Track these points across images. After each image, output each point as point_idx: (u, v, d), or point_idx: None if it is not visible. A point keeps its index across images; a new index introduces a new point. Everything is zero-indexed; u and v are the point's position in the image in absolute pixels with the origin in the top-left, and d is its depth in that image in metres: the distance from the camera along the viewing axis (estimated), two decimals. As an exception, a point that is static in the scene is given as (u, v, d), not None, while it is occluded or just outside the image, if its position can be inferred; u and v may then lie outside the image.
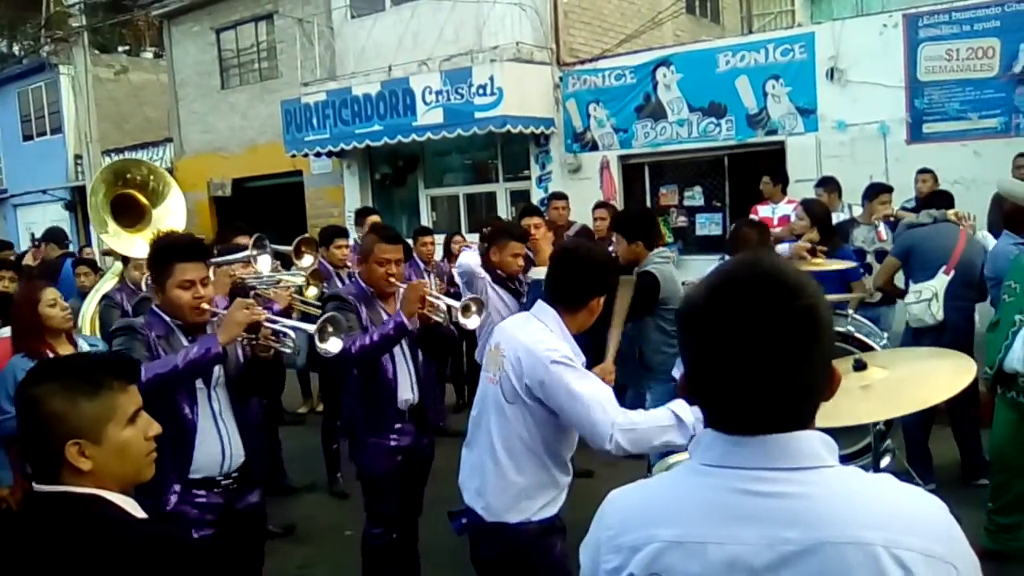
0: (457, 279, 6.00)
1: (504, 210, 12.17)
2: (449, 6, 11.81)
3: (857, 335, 4.57)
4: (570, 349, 2.72)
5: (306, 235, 5.84)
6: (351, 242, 6.93)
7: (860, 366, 2.72)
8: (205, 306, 3.18)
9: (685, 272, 7.96)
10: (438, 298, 4.05)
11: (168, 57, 17.25)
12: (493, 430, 2.78)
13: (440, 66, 11.61)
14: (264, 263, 4.84)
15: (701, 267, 8.34)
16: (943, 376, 2.70)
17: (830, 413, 1.31)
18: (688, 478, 1.27)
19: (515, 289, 5.35)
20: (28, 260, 9.29)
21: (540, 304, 2.87)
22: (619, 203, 10.55)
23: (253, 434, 3.42)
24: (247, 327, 3.18)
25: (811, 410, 1.24)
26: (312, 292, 5.50)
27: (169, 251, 3.19)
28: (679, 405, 2.59)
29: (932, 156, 8.07)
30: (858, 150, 9.24)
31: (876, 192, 6.52)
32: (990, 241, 5.48)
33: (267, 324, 3.29)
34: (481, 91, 10.82)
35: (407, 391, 4.02)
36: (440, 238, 8.20)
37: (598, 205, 7.96)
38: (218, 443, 3.19)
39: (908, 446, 5.28)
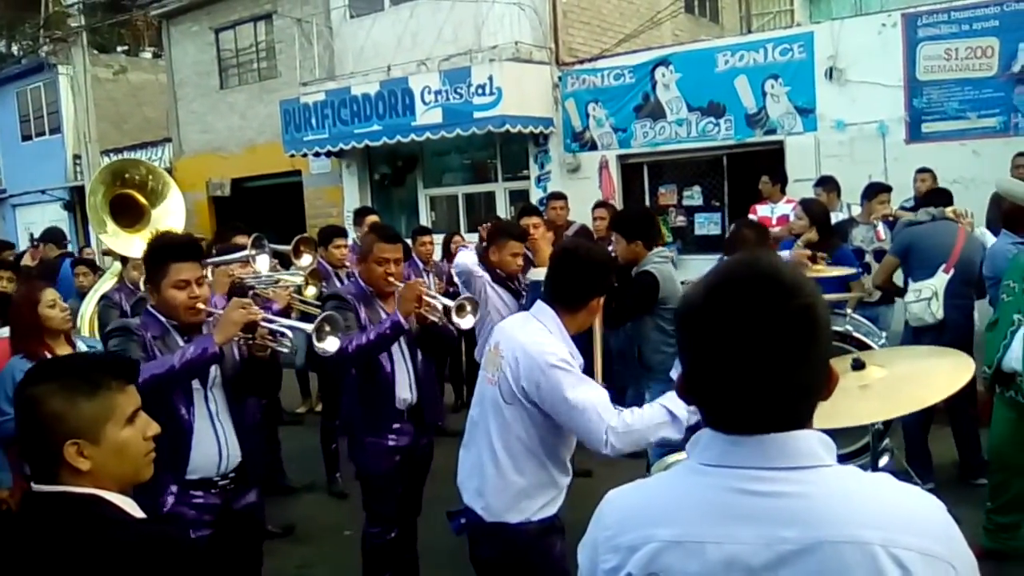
0: (456, 279, 6.00)
1: (503, 210, 12.16)
2: (448, 6, 11.81)
3: (856, 334, 4.57)
4: (568, 351, 2.72)
5: (305, 235, 5.84)
6: (350, 242, 6.93)
7: (859, 365, 2.73)
8: (201, 306, 3.17)
9: (684, 272, 7.96)
10: (434, 297, 4.04)
11: (167, 57, 17.25)
12: (492, 431, 2.78)
13: (439, 66, 11.61)
14: (262, 263, 4.84)
15: (700, 267, 8.34)
16: (941, 375, 2.71)
17: (829, 413, 1.31)
18: (686, 478, 1.27)
19: (515, 289, 5.35)
20: (27, 260, 9.29)
21: (539, 304, 2.87)
22: (618, 203, 10.55)
23: (250, 434, 3.41)
24: (244, 327, 3.18)
25: (809, 409, 1.24)
26: (311, 292, 5.50)
27: (164, 251, 3.18)
28: (670, 400, 2.59)
29: (931, 155, 8.07)
30: (857, 150, 9.24)
31: (875, 192, 6.52)
32: (988, 238, 5.48)
33: (263, 324, 3.28)
34: (480, 91, 10.82)
35: (405, 391, 4.02)
36: (439, 238, 8.20)
37: (598, 205, 7.96)
38: (215, 444, 3.18)
39: (908, 445, 5.28)
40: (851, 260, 5.67)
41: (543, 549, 2.78)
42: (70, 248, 11.09)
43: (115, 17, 17.90)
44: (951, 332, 5.06)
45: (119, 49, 23.14)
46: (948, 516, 1.18)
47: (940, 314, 5.17)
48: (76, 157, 18.66)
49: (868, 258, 6.27)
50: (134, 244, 5.12)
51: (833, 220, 6.09)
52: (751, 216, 7.48)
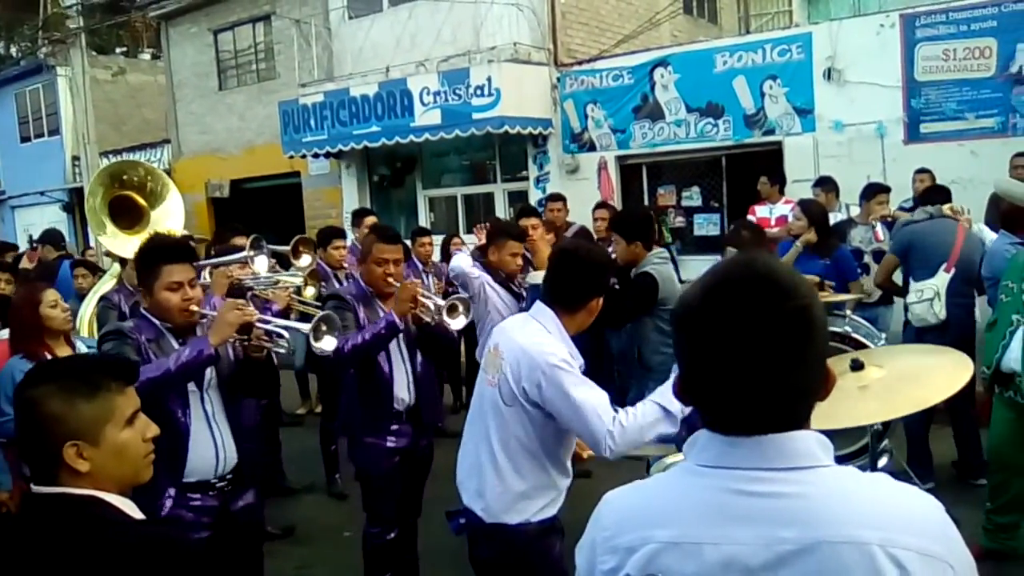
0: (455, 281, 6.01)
1: (502, 211, 12.16)
2: (446, 7, 11.81)
3: (855, 335, 4.58)
4: (568, 351, 2.72)
5: (304, 235, 5.85)
6: (348, 243, 6.93)
7: (857, 366, 2.73)
8: (194, 308, 3.16)
9: (683, 272, 7.96)
10: (429, 298, 4.04)
11: (166, 58, 17.24)
12: (492, 432, 2.78)
13: (438, 67, 11.61)
14: (261, 264, 4.84)
15: (699, 267, 8.34)
16: (941, 375, 2.71)
17: (828, 415, 1.32)
18: (684, 479, 1.27)
19: (516, 292, 5.34)
20: (25, 263, 9.26)
21: (539, 305, 2.87)
22: (617, 204, 10.55)
23: (246, 435, 3.41)
24: (239, 328, 3.17)
25: (806, 410, 1.24)
26: (310, 292, 5.50)
27: (155, 253, 3.17)
28: (663, 395, 2.59)
29: (929, 156, 8.08)
30: (855, 150, 9.25)
31: (873, 192, 6.53)
32: (987, 233, 5.47)
33: (259, 324, 3.28)
34: (479, 92, 10.82)
35: (403, 392, 4.03)
36: (438, 239, 8.20)
37: (598, 206, 7.96)
38: (212, 446, 3.18)
39: (909, 445, 5.28)
40: (850, 261, 5.68)
41: (542, 550, 2.78)
42: (70, 249, 11.05)
43: (114, 18, 17.88)
44: (954, 331, 5.07)
45: (118, 50, 23.12)
46: (946, 516, 1.18)
47: (943, 314, 5.17)
48: (75, 158, 18.66)
49: (867, 259, 6.27)
50: (133, 245, 5.10)
51: (832, 221, 6.10)
52: (750, 217, 7.49)
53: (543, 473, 2.76)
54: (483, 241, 5.56)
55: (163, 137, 17.88)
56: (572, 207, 7.92)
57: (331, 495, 6.10)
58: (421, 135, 11.36)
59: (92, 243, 11.93)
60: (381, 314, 3.95)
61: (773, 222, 7.39)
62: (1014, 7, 8.33)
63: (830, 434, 1.27)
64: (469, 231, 10.83)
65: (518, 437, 2.73)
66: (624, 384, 6.19)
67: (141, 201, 5.37)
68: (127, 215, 5.32)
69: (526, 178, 12.06)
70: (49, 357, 3.98)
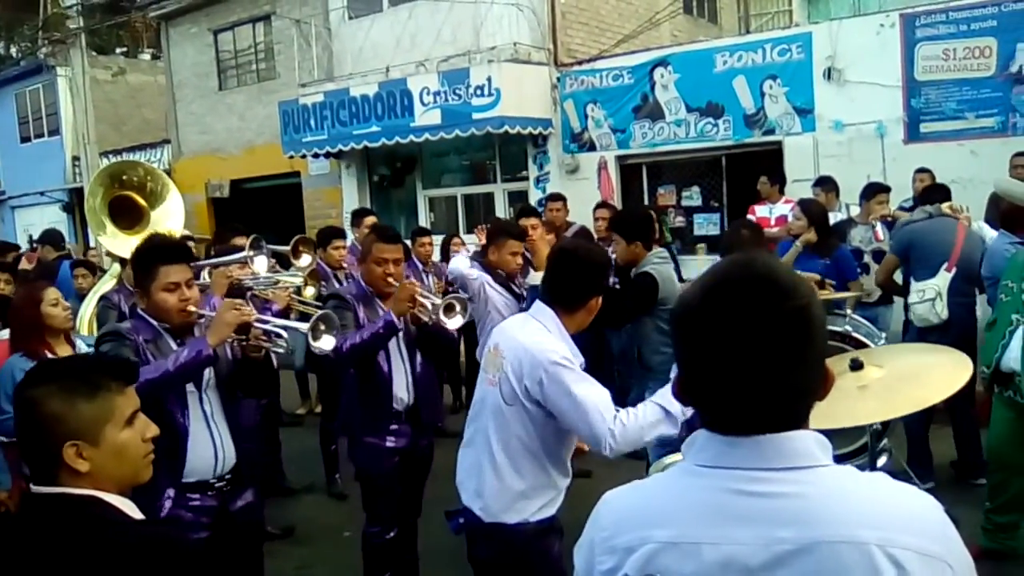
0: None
1: (502, 211, 12.16)
2: (446, 7, 11.81)
3: (855, 335, 4.58)
4: (568, 350, 2.72)
5: (304, 235, 5.85)
6: (348, 243, 6.93)
7: (857, 366, 2.73)
8: (192, 308, 3.16)
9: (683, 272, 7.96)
10: (427, 298, 4.04)
11: (166, 58, 17.24)
12: (491, 431, 2.78)
13: (438, 67, 11.61)
14: (260, 264, 4.84)
15: (699, 267, 8.35)
16: (940, 375, 2.71)
17: (828, 414, 1.32)
18: (682, 479, 1.27)
19: (517, 293, 5.33)
20: (24, 265, 9.23)
21: (538, 304, 2.87)
22: (617, 204, 10.55)
23: (245, 435, 3.41)
24: (237, 328, 3.17)
25: (805, 410, 1.24)
26: (310, 292, 5.50)
27: (152, 254, 3.16)
28: (664, 397, 2.59)
29: (929, 156, 8.08)
30: (855, 150, 9.24)
31: (873, 192, 6.53)
32: (987, 231, 5.46)
33: (257, 324, 3.27)
34: (479, 92, 10.82)
35: (402, 392, 4.03)
36: (438, 239, 8.20)
37: (599, 205, 7.96)
38: (211, 446, 3.18)
39: (909, 444, 5.28)
40: (850, 261, 5.69)
41: (541, 550, 2.78)
42: (69, 250, 11.04)
43: (114, 19, 17.91)
44: (956, 330, 5.07)
45: (118, 51, 23.11)
46: (945, 515, 1.18)
47: (944, 314, 5.17)
48: (75, 159, 18.68)
49: (867, 258, 6.27)
50: (133, 246, 5.11)
51: (831, 220, 6.10)
52: (749, 217, 7.49)
53: (542, 473, 2.77)
54: (484, 242, 5.56)
55: (163, 137, 17.88)
56: (572, 207, 7.91)
57: (331, 495, 6.10)
58: (421, 135, 11.36)
59: (93, 243, 11.93)
60: (381, 314, 3.95)
61: (773, 222, 7.39)
62: (1014, 7, 8.33)
63: (829, 434, 1.27)
64: (469, 231, 10.83)
65: (519, 436, 2.73)
66: (624, 384, 6.19)
67: (141, 201, 5.37)
68: (127, 215, 5.33)
69: (526, 178, 12.06)
70: (49, 355, 3.99)
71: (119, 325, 3.29)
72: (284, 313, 4.79)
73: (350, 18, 13.37)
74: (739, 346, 1.18)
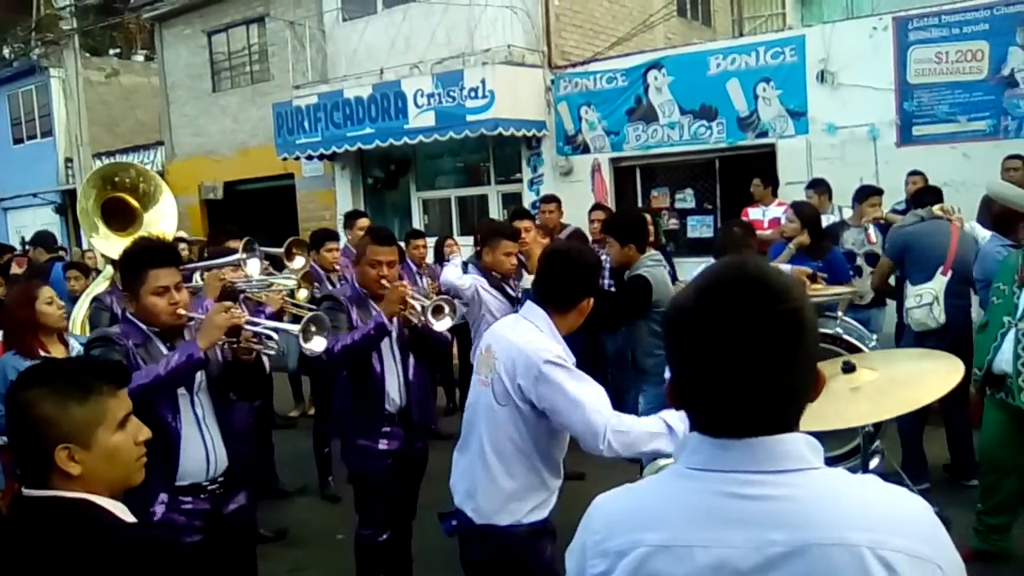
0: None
1: (496, 213, 12.17)
2: (441, 9, 11.82)
3: (846, 337, 4.59)
4: (562, 349, 2.72)
5: (297, 237, 5.84)
6: (341, 245, 6.93)
7: (849, 368, 2.74)
8: (181, 311, 3.14)
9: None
10: (418, 299, 4.03)
11: (159, 60, 17.22)
12: (483, 432, 2.78)
13: (432, 69, 11.62)
14: (253, 266, 4.83)
15: (692, 269, 8.34)
16: (933, 377, 2.72)
17: (820, 416, 1.32)
18: (674, 482, 1.27)
19: (512, 296, 5.32)
20: (15, 269, 9.18)
21: (529, 305, 2.87)
22: (610, 206, 10.55)
23: (238, 438, 3.40)
24: (228, 330, 3.15)
25: (796, 412, 1.24)
26: (303, 295, 5.50)
27: (140, 257, 3.14)
28: (670, 415, 2.59)
29: (922, 158, 8.11)
30: (848, 152, 9.27)
31: (866, 194, 6.54)
32: (979, 231, 5.47)
33: (247, 327, 3.26)
34: (473, 94, 10.83)
35: (395, 394, 4.03)
36: (432, 241, 8.20)
37: (595, 207, 7.96)
38: (203, 448, 3.16)
39: (904, 447, 5.30)
40: (842, 263, 5.70)
41: (533, 552, 2.78)
42: (62, 252, 11.00)
43: (107, 20, 17.85)
44: (952, 333, 5.08)
45: (111, 52, 23.05)
46: (935, 517, 1.18)
47: (942, 318, 5.17)
48: (68, 160, 18.64)
49: (859, 261, 6.29)
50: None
51: (824, 223, 6.11)
52: (742, 219, 7.50)
53: (534, 473, 2.76)
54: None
55: (156, 139, 17.85)
56: (566, 209, 7.92)
57: (324, 497, 6.09)
58: (415, 137, 11.37)
59: (86, 245, 11.90)
60: (374, 315, 3.95)
61: (766, 224, 7.40)
62: (1006, 10, 8.37)
63: (821, 436, 1.27)
64: (463, 233, 10.85)
65: (511, 437, 2.72)
66: (619, 386, 6.19)
67: (134, 203, 5.36)
68: (120, 217, 5.31)
69: (520, 180, 12.07)
70: (43, 354, 3.98)
71: (108, 330, 3.27)
72: (277, 316, 4.78)
73: (344, 20, 13.37)
74: (732, 348, 1.18)
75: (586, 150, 11.31)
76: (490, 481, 2.75)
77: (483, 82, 10.77)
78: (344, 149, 12.40)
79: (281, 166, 13.92)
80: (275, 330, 3.39)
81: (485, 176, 12.77)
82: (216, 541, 3.16)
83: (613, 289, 5.93)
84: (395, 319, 3.91)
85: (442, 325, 4.01)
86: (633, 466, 4.12)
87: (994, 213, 4.98)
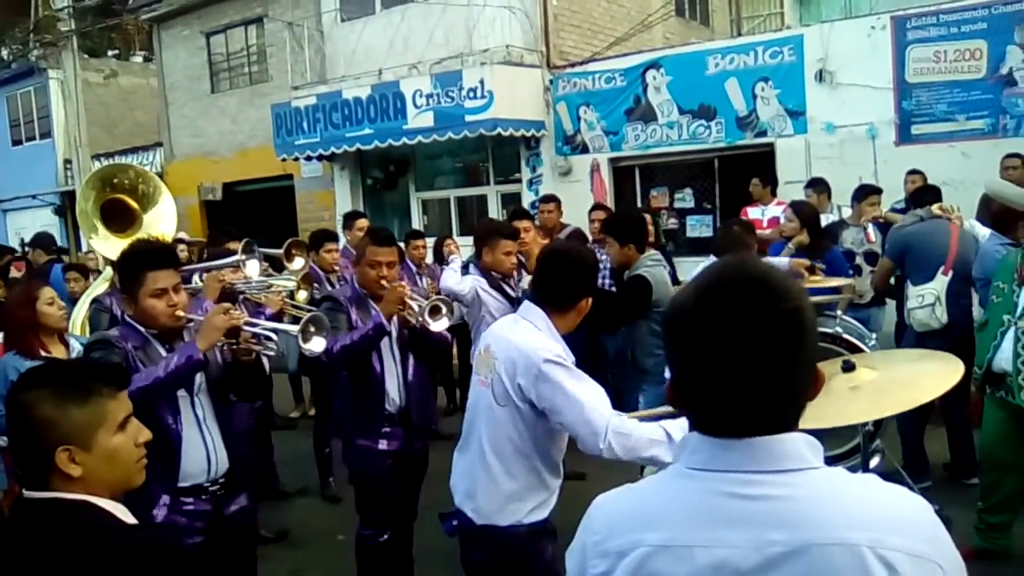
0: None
1: (495, 213, 12.17)
2: (439, 9, 11.82)
3: (846, 336, 4.59)
4: (561, 348, 2.72)
5: (296, 238, 5.83)
6: (341, 246, 6.92)
7: (849, 367, 2.74)
8: (180, 313, 3.14)
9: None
10: (416, 300, 4.03)
11: (158, 61, 17.21)
12: (483, 433, 2.78)
13: (430, 69, 11.62)
14: (253, 267, 4.83)
15: (692, 269, 8.34)
16: (932, 375, 2.72)
17: (820, 414, 1.32)
18: (674, 482, 1.27)
19: (511, 296, 5.31)
20: (13, 273, 9.15)
21: (527, 305, 2.87)
22: (609, 206, 10.55)
23: (238, 439, 3.40)
24: (226, 331, 3.15)
25: (796, 412, 1.24)
26: (303, 296, 5.49)
27: (138, 259, 3.13)
28: (673, 424, 2.58)
29: (920, 158, 8.11)
30: (847, 152, 9.28)
31: (865, 194, 6.55)
32: (979, 228, 5.47)
33: (246, 328, 3.26)
34: (471, 94, 10.83)
35: (395, 394, 4.03)
36: (431, 241, 8.20)
37: (595, 207, 7.95)
38: (203, 450, 3.17)
39: (904, 446, 5.30)
40: (841, 262, 5.70)
41: (534, 553, 2.78)
42: (62, 253, 10.99)
43: (105, 21, 17.86)
44: (954, 332, 5.07)
45: (109, 53, 23.05)
46: (935, 517, 1.18)
47: (944, 318, 5.17)
48: (67, 162, 18.63)
49: (858, 260, 6.29)
50: (125, 249, 5.10)
51: (823, 222, 6.12)
52: (742, 218, 7.50)
53: (533, 474, 2.76)
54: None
55: (155, 140, 17.84)
56: (565, 209, 7.91)
57: (324, 498, 6.09)
58: (414, 137, 11.37)
59: (85, 247, 11.90)
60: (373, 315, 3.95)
61: (765, 224, 7.40)
62: (1004, 9, 8.38)
63: (821, 435, 1.27)
64: (462, 233, 10.84)
65: (510, 437, 2.72)
66: (619, 386, 6.19)
67: (133, 204, 5.34)
68: (119, 218, 5.30)
69: (519, 180, 12.08)
70: (44, 355, 3.99)
71: (107, 333, 3.26)
72: (277, 317, 4.78)
73: (343, 20, 13.37)
74: (732, 348, 1.18)
75: (585, 150, 11.31)
76: (490, 481, 2.75)
77: (482, 82, 10.77)
78: (343, 150, 12.40)
79: (280, 167, 13.91)
80: (274, 331, 3.40)
81: (484, 176, 12.77)
82: (217, 542, 3.17)
83: (613, 289, 5.92)
84: (394, 319, 3.91)
85: (439, 325, 4.01)
86: (633, 466, 4.13)
87: (993, 212, 4.98)
